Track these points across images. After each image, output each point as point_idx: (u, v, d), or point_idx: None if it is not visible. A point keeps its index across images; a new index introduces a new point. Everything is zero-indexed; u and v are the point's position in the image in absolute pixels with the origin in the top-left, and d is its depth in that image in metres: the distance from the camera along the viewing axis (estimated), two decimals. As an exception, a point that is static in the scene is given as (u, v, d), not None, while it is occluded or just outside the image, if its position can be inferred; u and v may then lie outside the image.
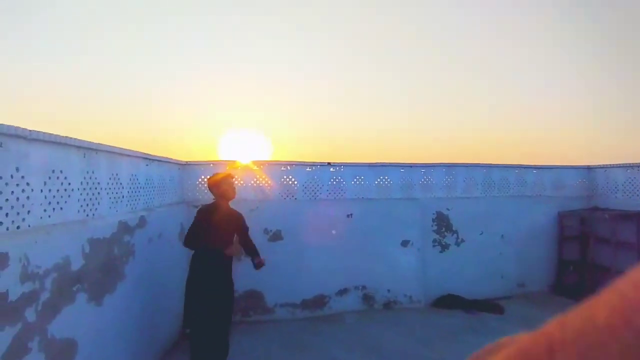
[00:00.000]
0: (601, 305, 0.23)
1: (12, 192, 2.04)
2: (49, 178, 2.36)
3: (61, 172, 2.48)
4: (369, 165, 6.09)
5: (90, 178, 2.84)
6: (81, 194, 2.72)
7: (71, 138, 2.53)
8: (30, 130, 2.11)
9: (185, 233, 3.60)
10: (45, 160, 2.32)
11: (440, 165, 6.46)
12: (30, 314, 2.09)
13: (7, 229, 2.01)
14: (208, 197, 4.37)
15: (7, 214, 2.01)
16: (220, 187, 3.67)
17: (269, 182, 5.64)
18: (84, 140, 2.68)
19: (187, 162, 5.35)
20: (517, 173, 6.93)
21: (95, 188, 2.93)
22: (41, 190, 2.28)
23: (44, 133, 2.22)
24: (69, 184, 2.56)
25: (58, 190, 2.44)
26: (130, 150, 3.45)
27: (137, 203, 3.74)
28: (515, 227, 6.77)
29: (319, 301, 5.75)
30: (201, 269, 3.47)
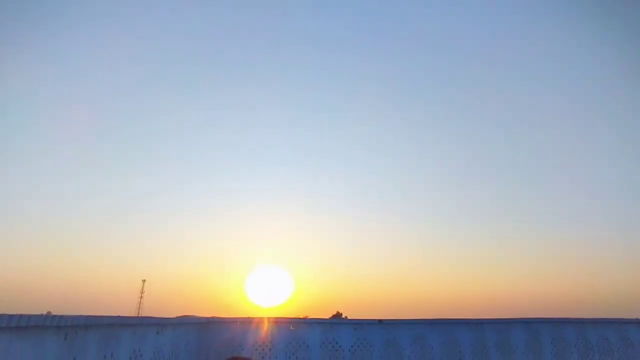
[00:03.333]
0: None
1: None
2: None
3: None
4: (431, 322, 4.90)
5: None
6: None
7: (48, 316, 1.80)
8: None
9: None
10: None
11: (518, 322, 5.17)
12: None
13: None
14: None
15: None
16: None
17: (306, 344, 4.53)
18: (68, 316, 1.94)
19: (209, 318, 4.43)
20: (618, 329, 5.47)
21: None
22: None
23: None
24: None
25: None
26: (136, 317, 2.68)
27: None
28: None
29: None
30: None
